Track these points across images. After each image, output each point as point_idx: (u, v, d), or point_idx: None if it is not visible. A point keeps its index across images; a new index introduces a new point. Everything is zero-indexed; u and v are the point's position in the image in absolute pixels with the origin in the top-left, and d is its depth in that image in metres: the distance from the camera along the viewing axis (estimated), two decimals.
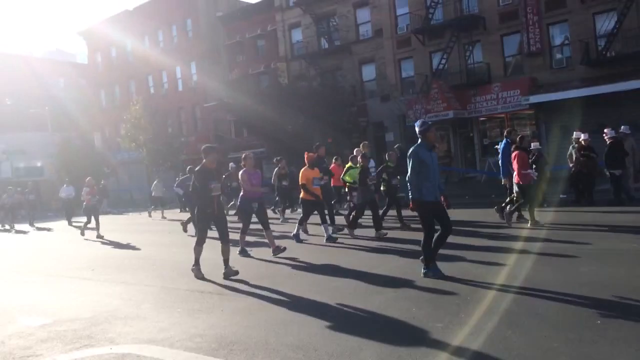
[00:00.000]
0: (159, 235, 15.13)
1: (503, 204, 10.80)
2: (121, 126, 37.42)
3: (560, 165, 15.93)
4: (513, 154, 10.17)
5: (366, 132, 28.84)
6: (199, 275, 7.66)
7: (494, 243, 8.79)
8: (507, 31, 25.06)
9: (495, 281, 6.12)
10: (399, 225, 11.35)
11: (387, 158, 11.73)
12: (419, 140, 6.61)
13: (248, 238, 10.02)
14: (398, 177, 11.17)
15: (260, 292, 6.56)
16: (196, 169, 7.76)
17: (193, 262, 7.81)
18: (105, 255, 11.53)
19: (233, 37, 36.16)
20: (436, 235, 6.50)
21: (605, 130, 12.82)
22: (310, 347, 4.40)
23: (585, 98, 21.14)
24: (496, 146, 12.85)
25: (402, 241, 9.72)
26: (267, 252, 9.30)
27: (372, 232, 10.56)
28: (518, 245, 8.20)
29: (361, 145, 12.68)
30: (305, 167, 10.85)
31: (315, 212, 10.63)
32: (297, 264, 8.41)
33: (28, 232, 21.00)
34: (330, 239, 10.18)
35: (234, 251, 8.72)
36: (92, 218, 15.63)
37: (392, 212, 11.84)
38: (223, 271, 7.55)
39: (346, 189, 12.30)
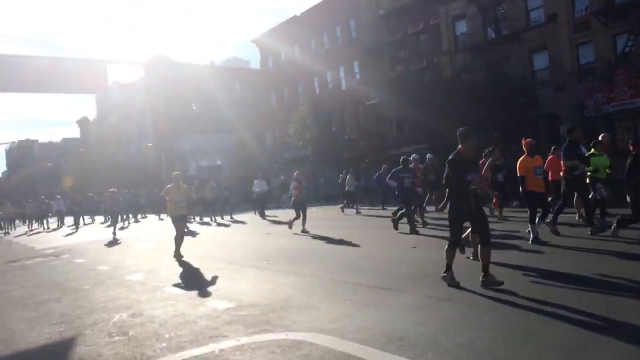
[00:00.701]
0: (351, 230, 14.71)
1: None
2: (289, 126, 39.55)
3: None
4: None
5: (537, 124, 26.89)
6: (452, 282, 6.49)
7: None
8: None
9: None
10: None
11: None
12: None
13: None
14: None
15: (428, 290, 6.47)
16: (450, 157, 6.48)
17: (444, 269, 6.64)
18: (279, 247, 12.30)
19: (395, 34, 36.15)
20: None
21: None
22: (484, 350, 4.22)
23: None
24: None
25: None
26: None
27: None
28: None
29: (600, 137, 10.86)
30: (524, 155, 9.46)
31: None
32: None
33: (229, 225, 21.36)
34: (536, 241, 9.01)
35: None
36: (301, 212, 14.98)
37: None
38: (481, 278, 6.34)
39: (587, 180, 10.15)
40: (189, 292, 7.50)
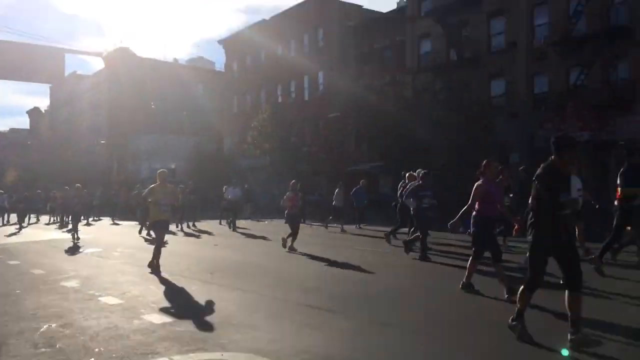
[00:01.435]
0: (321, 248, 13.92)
1: None
2: (249, 133, 39.23)
3: None
4: None
5: (490, 150, 27.55)
6: (524, 335, 5.08)
7: None
8: None
9: None
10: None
11: None
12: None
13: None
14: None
15: (369, 314, 6.45)
16: (539, 170, 5.11)
17: (514, 316, 5.23)
18: (227, 260, 12.11)
19: (362, 47, 36.51)
20: None
21: None
22: None
23: None
24: None
25: None
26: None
27: None
28: None
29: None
30: None
31: None
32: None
33: (199, 235, 19.39)
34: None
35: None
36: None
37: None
38: (570, 337, 4.83)
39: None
40: (125, 303, 7.23)
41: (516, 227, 6.73)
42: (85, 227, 24.76)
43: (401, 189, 13.10)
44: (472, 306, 6.89)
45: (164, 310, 6.76)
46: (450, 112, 25.42)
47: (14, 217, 28.28)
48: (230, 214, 22.09)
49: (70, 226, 20.30)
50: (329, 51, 38.84)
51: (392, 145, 26.85)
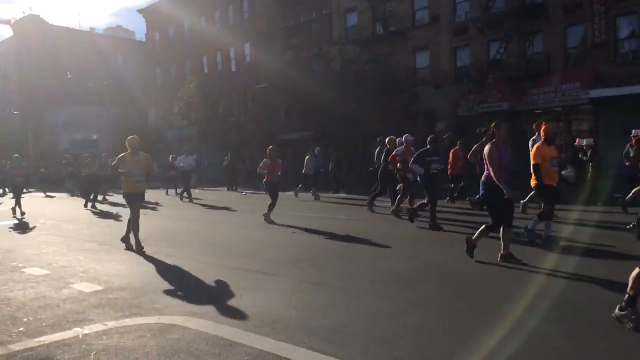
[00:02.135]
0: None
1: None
2: (175, 104, 38.22)
3: (620, 163, 15.26)
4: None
5: (417, 120, 28.44)
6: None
7: None
8: (571, 22, 24.08)
9: None
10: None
11: None
12: None
13: None
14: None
15: (302, 275, 6.62)
16: None
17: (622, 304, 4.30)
18: (160, 229, 11.88)
19: (288, 19, 36.22)
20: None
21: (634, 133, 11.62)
22: (351, 332, 4.42)
23: None
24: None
25: None
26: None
27: None
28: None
29: None
30: (541, 142, 8.25)
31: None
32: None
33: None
34: (548, 239, 8.07)
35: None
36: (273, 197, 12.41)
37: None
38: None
39: None
40: (52, 274, 6.99)
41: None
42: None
43: (384, 154, 12.93)
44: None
45: (94, 279, 6.60)
46: (376, 82, 25.89)
47: None
48: (181, 183, 21.23)
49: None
50: (255, 23, 38.20)
51: (321, 116, 27.04)
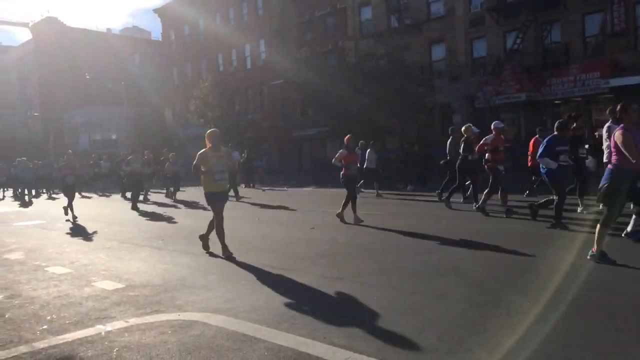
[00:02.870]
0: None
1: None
2: (191, 103, 38.46)
3: None
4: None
5: (433, 113, 28.25)
6: None
7: None
8: (589, 10, 23.68)
9: None
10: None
11: None
12: None
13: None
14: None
15: (322, 270, 6.61)
16: None
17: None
18: (179, 227, 11.97)
19: (302, 15, 36.17)
20: None
21: None
22: (372, 326, 4.40)
23: None
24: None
25: None
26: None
27: None
28: None
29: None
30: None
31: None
32: None
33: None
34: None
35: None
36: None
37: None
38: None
39: None
40: (74, 272, 7.08)
41: None
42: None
43: (462, 144, 11.85)
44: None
45: (115, 277, 6.67)
46: (391, 76, 25.79)
47: None
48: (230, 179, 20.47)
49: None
50: (269, 19, 38.25)
51: (337, 112, 27.02)
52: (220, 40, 41.49)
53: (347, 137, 10.90)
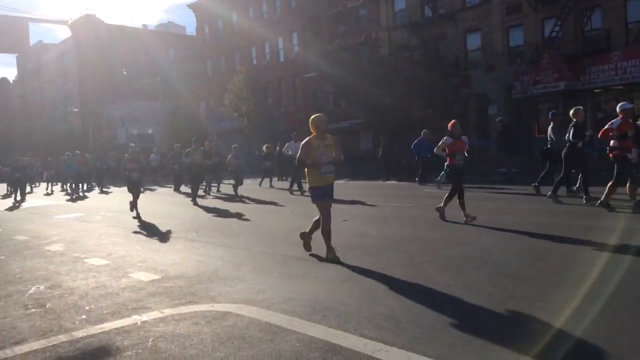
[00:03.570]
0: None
1: None
2: (225, 96, 38.82)
3: None
4: None
5: (468, 104, 27.78)
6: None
7: None
8: None
9: None
10: None
11: None
12: None
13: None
14: None
15: (354, 262, 6.59)
16: None
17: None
18: (211, 219, 12.11)
19: (335, 7, 36.01)
20: None
21: None
22: (403, 319, 4.36)
23: None
24: None
25: None
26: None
27: None
28: None
29: None
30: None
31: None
32: None
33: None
34: None
35: None
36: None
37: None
38: None
39: None
40: (112, 264, 7.26)
41: None
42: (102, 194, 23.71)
43: (572, 129, 10.53)
44: None
45: (151, 269, 6.80)
46: (425, 67, 25.44)
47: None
48: (287, 172, 19.69)
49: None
50: (301, 12, 38.21)
51: (371, 104, 26.84)
52: (253, 34, 41.71)
53: (451, 122, 9.47)
